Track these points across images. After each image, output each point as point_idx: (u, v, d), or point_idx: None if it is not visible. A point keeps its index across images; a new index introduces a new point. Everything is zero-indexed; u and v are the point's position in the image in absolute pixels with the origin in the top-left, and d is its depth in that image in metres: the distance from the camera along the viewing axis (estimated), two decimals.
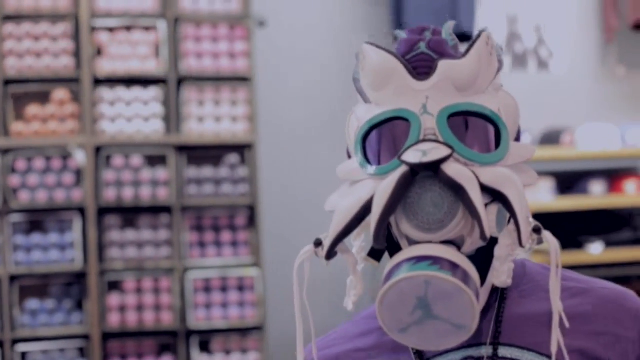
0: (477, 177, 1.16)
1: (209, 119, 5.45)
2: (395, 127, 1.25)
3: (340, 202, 1.22)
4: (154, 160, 5.43)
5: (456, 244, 1.18)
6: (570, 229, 5.68)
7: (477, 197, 1.14)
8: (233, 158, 5.48)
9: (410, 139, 1.19)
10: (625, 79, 6.48)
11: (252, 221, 5.47)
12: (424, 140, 1.18)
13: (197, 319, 5.33)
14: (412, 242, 1.18)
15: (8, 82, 5.29)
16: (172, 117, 5.42)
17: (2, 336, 5.18)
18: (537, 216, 5.33)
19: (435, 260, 1.12)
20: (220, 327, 5.36)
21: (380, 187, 1.16)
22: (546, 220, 5.71)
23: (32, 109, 5.30)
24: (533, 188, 5.68)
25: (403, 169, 1.15)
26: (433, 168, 1.14)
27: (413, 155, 1.15)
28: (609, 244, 5.79)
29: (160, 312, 5.32)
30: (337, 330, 1.39)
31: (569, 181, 6.07)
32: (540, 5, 6.38)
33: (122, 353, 5.31)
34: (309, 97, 5.91)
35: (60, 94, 5.32)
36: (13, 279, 5.23)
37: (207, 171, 5.44)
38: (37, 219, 5.31)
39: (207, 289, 5.39)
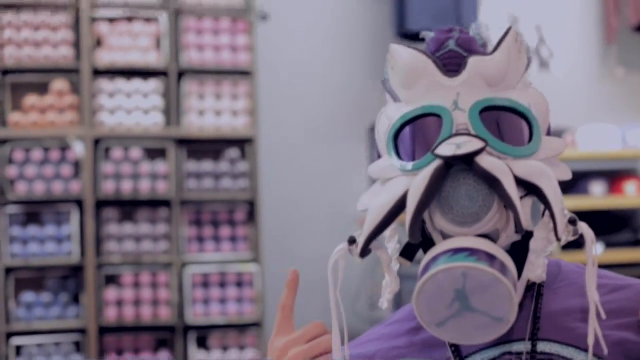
0: (511, 170, 1.15)
1: (210, 112, 5.42)
2: (427, 125, 1.25)
3: (374, 200, 1.21)
4: (154, 154, 5.40)
5: (491, 238, 1.17)
6: None
7: (512, 189, 1.13)
8: (233, 152, 5.44)
9: (443, 134, 1.18)
10: (625, 80, 6.48)
11: (251, 216, 5.44)
12: (457, 135, 1.17)
13: (195, 315, 5.29)
14: (446, 237, 1.17)
15: (6, 72, 5.25)
16: (173, 110, 5.38)
17: None
18: None
19: (472, 252, 1.11)
20: (218, 323, 5.32)
21: (414, 182, 1.16)
22: None
23: (31, 100, 5.25)
24: None
25: (437, 162, 1.15)
26: (467, 161, 1.14)
27: (447, 149, 1.14)
28: (609, 245, 5.78)
29: (157, 307, 5.28)
30: (368, 333, 1.39)
31: (569, 181, 6.05)
32: (541, 5, 6.37)
33: (119, 348, 5.27)
34: (310, 92, 5.87)
35: (59, 84, 5.27)
36: (9, 271, 5.19)
37: (207, 165, 5.40)
38: (34, 211, 5.26)
39: (206, 284, 5.35)
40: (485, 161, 1.13)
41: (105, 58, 5.30)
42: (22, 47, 5.25)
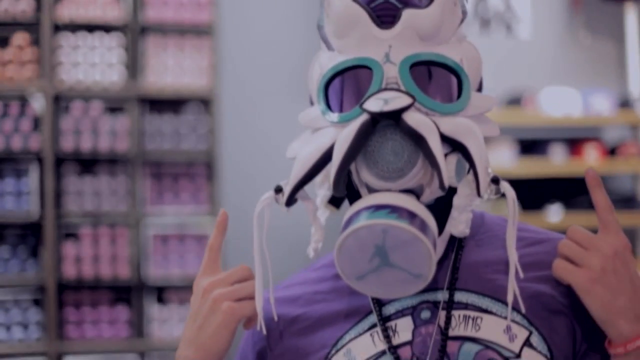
0: (437, 127, 1.17)
1: (171, 69, 5.39)
2: (358, 75, 1.26)
3: (302, 150, 1.22)
4: (114, 110, 5.37)
5: (415, 193, 1.19)
6: (530, 193, 5.70)
7: (437, 147, 1.14)
8: (194, 110, 5.43)
9: (372, 87, 1.19)
10: (590, 47, 6.50)
11: (211, 173, 5.44)
12: (385, 89, 1.18)
13: (154, 270, 5.30)
14: (372, 190, 1.20)
15: None
16: (133, 66, 5.35)
17: None
18: None
19: (393, 209, 1.13)
20: (176, 278, 5.34)
21: (341, 135, 1.17)
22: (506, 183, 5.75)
23: None
24: (493, 151, 5.70)
25: (364, 117, 1.16)
26: (394, 117, 1.15)
27: (374, 104, 1.16)
28: (569, 208, 5.82)
29: (116, 262, 5.28)
30: (294, 276, 1.41)
31: (530, 145, 6.09)
32: None
33: (77, 303, 5.27)
34: (272, 50, 5.86)
35: (19, 38, 5.23)
36: None
37: (167, 122, 5.39)
38: None
39: (164, 239, 5.35)
40: (412, 118, 1.15)
41: (66, 12, 5.26)
42: None
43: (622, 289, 1.19)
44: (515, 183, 5.26)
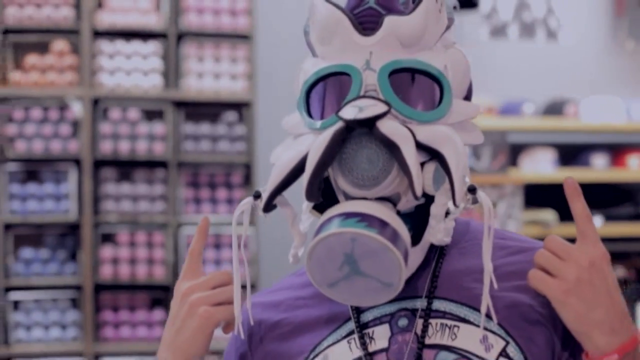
0: (414, 135, 1.16)
1: (208, 75, 5.44)
2: (340, 82, 1.25)
3: (282, 156, 1.23)
4: (152, 115, 5.43)
5: (392, 201, 1.18)
6: None
7: (410, 156, 1.13)
8: (231, 116, 5.47)
9: (350, 94, 1.19)
10: (634, 53, 6.42)
11: (248, 179, 5.48)
12: (363, 97, 1.17)
13: None
14: (348, 198, 1.19)
15: (8, 31, 5.28)
16: (171, 72, 5.41)
17: None
18: (537, 187, 5.18)
19: (363, 217, 1.12)
20: None
21: (315, 143, 1.17)
22: (546, 191, 5.65)
23: (31, 59, 5.30)
24: (533, 158, 5.66)
25: (339, 124, 1.16)
26: (368, 125, 1.14)
27: (349, 111, 1.15)
28: (609, 218, 5.75)
29: (152, 266, 5.33)
30: (281, 281, 1.41)
31: (571, 153, 6.03)
32: None
33: (114, 305, 5.34)
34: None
35: (59, 45, 5.31)
36: (8, 227, 5.26)
37: (204, 128, 5.44)
38: (33, 169, 5.33)
39: None
40: (387, 126, 1.14)
41: (106, 19, 5.33)
42: (23, 6, 5.28)
43: (598, 300, 1.17)
44: (555, 191, 5.16)
